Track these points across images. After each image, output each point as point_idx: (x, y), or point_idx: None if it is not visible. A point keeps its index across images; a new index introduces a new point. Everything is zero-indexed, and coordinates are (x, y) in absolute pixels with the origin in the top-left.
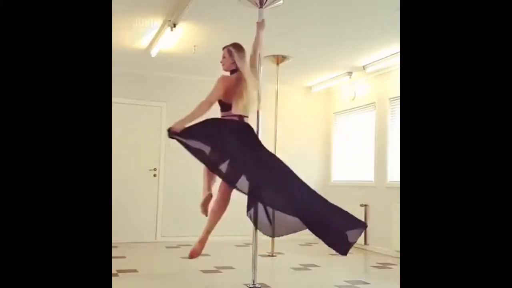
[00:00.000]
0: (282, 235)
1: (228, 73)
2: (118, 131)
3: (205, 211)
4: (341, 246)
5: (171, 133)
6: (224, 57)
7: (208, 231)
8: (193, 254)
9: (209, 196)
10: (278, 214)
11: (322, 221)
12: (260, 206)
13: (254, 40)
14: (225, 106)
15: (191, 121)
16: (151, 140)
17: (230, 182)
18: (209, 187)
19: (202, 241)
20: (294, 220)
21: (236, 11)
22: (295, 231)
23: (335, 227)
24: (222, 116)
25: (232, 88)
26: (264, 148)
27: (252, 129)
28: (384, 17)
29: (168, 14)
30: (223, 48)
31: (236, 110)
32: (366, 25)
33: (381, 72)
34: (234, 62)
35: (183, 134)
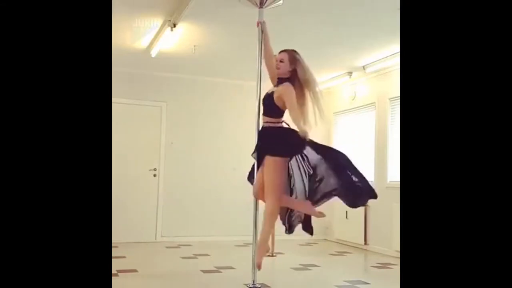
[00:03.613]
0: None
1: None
2: (118, 131)
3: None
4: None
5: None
6: (282, 61)
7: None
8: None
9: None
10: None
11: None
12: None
13: (264, 44)
14: (279, 112)
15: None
16: (151, 140)
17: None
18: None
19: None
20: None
21: (236, 11)
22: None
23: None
24: (268, 122)
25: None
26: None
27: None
28: (384, 17)
29: (168, 14)
30: (281, 52)
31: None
32: (366, 25)
33: (381, 72)
34: (295, 70)
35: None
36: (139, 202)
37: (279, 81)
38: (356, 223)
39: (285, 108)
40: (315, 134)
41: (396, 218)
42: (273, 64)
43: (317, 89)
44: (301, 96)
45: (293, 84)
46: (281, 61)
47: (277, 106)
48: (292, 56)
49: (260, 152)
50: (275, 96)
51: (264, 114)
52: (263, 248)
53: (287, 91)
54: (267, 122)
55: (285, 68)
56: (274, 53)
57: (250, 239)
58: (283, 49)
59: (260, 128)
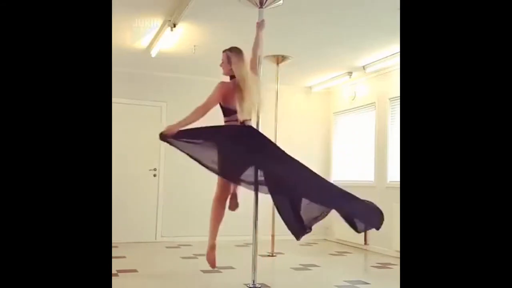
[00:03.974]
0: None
1: (228, 78)
2: (118, 131)
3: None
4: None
5: (162, 137)
6: (222, 61)
7: None
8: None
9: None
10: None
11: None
12: (287, 205)
13: (254, 42)
14: (228, 111)
15: (184, 125)
16: (151, 140)
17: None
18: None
19: None
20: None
21: (236, 11)
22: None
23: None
24: (225, 122)
25: (230, 93)
26: (276, 146)
27: (256, 130)
28: (384, 17)
29: (168, 14)
30: (223, 52)
31: (241, 115)
32: (366, 25)
33: (381, 72)
34: (231, 68)
35: (176, 135)
36: (139, 202)
37: (230, 79)
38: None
39: (228, 105)
40: (315, 134)
41: (396, 218)
42: (254, 59)
43: (250, 83)
44: (239, 91)
45: (234, 80)
46: (222, 62)
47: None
48: (226, 55)
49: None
50: None
51: None
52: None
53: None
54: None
55: (226, 67)
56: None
57: (250, 239)
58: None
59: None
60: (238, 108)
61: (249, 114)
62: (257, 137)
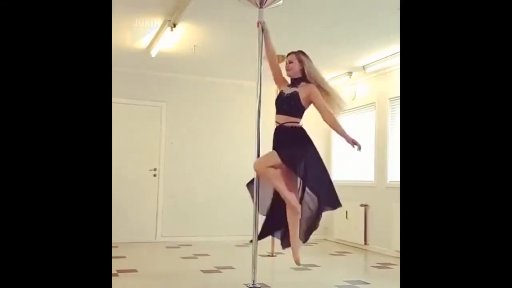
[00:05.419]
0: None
1: (288, 79)
2: (118, 131)
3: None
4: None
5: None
6: (291, 62)
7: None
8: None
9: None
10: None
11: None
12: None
13: (266, 49)
14: (303, 113)
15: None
16: (151, 140)
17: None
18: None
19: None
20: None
21: (236, 11)
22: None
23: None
24: (297, 122)
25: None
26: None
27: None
28: (384, 17)
29: (168, 14)
30: (289, 54)
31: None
32: (366, 25)
33: (381, 72)
34: (303, 69)
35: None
36: (139, 202)
37: (294, 81)
38: (356, 223)
39: (307, 108)
40: (315, 134)
41: (396, 218)
42: (276, 63)
43: (330, 84)
44: (325, 94)
45: (314, 84)
46: (290, 62)
47: (303, 106)
48: (299, 56)
49: (281, 149)
50: (301, 96)
51: (285, 113)
52: (295, 243)
53: (315, 92)
54: (289, 122)
55: (296, 68)
56: (279, 53)
57: (250, 239)
58: (286, 50)
59: (275, 127)
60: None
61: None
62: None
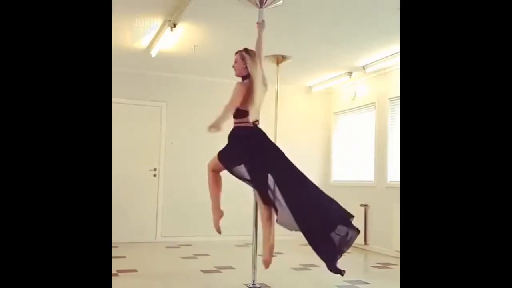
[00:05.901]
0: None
1: (239, 79)
2: (118, 131)
3: (219, 229)
4: (330, 255)
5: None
6: (236, 62)
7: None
8: (267, 264)
9: (221, 214)
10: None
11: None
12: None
13: (256, 43)
14: (242, 113)
15: (225, 121)
16: (151, 140)
17: (259, 188)
18: (219, 205)
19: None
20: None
21: (236, 11)
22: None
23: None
24: (236, 123)
25: (247, 95)
26: (281, 151)
27: (265, 133)
28: (384, 17)
29: (168, 14)
30: (236, 53)
31: (252, 117)
32: (366, 25)
33: (381, 72)
34: (246, 68)
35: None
36: (139, 202)
37: (243, 79)
38: (356, 223)
39: (243, 107)
40: (315, 134)
41: (396, 218)
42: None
43: (261, 83)
44: (252, 92)
45: (249, 81)
46: (235, 62)
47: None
48: (242, 55)
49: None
50: None
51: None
52: (266, 245)
53: (235, 89)
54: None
55: (240, 67)
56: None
57: (250, 239)
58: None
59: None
60: (250, 109)
61: (258, 115)
62: (267, 139)
